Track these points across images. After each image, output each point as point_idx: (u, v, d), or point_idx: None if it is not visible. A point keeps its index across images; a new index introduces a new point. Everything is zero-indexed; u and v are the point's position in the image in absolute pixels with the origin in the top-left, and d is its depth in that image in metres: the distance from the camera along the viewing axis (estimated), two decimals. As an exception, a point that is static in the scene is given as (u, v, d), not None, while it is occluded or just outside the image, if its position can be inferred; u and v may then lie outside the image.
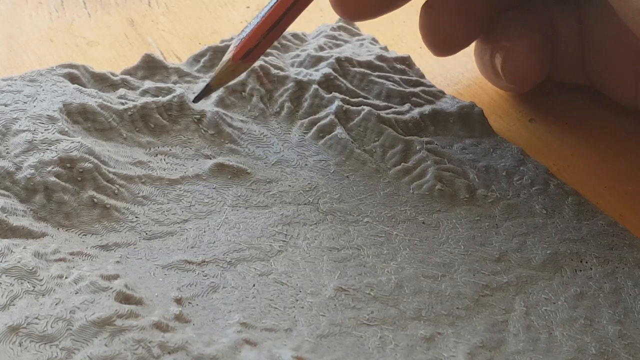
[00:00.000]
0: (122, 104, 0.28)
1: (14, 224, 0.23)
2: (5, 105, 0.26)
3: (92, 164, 0.25)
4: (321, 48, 0.32)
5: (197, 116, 0.28)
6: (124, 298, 0.21)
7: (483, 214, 0.26)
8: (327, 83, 0.30)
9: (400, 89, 0.31)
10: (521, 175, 0.27)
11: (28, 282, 0.21)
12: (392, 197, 0.26)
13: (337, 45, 0.33)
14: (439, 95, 0.31)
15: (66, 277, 0.21)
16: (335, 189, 0.26)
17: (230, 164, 0.26)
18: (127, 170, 0.26)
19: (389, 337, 0.21)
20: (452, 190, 0.27)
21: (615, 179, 0.28)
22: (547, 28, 0.30)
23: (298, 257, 0.24)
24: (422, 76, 0.32)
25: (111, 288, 0.21)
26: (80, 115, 0.26)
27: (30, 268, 0.21)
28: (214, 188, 0.26)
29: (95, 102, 0.27)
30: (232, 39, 0.32)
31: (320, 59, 0.31)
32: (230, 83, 0.28)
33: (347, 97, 0.30)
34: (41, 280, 0.21)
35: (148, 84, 0.29)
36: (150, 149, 0.27)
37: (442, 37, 0.29)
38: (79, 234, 0.24)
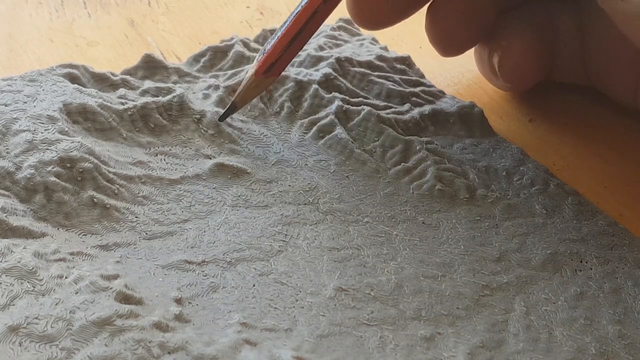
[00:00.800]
0: (122, 104, 0.27)
1: (14, 224, 0.23)
2: (5, 105, 0.26)
3: (92, 164, 0.25)
4: (321, 48, 0.32)
5: (197, 116, 0.28)
6: (124, 298, 0.21)
7: (483, 214, 0.26)
8: (327, 83, 0.30)
9: (400, 89, 0.31)
10: (521, 175, 0.27)
11: (28, 282, 0.21)
12: (392, 197, 0.26)
13: (337, 45, 0.33)
14: (439, 95, 0.31)
15: (66, 277, 0.21)
16: (335, 189, 0.26)
17: (230, 164, 0.26)
18: (127, 170, 0.26)
19: (389, 337, 0.21)
20: (452, 190, 0.26)
21: (615, 179, 0.28)
22: (547, 28, 0.30)
23: (298, 257, 0.24)
24: (422, 76, 0.32)
25: (111, 288, 0.21)
26: (80, 115, 0.26)
27: (30, 268, 0.21)
28: (214, 188, 0.26)
29: (95, 102, 0.27)
30: (232, 39, 0.32)
31: (320, 59, 0.31)
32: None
33: (347, 97, 0.29)
34: (41, 280, 0.21)
35: (148, 84, 0.29)
36: (150, 149, 0.27)
37: (448, 36, 0.29)
38: (79, 234, 0.24)
